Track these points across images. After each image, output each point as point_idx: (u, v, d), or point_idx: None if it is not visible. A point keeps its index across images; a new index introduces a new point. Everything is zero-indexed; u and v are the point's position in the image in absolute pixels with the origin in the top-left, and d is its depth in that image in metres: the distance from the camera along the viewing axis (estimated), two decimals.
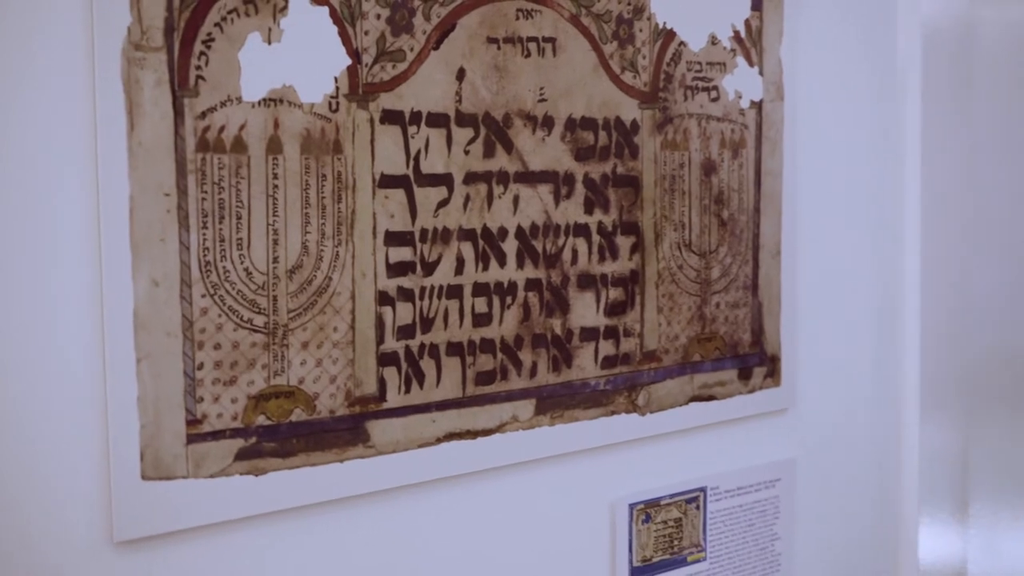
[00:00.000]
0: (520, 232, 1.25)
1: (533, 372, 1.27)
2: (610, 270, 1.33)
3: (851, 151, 1.62)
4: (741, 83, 1.44)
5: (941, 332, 1.70)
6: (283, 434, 1.09)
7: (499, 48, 1.22)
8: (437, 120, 1.17)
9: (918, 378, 1.67)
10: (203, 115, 1.02)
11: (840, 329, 1.62)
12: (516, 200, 1.24)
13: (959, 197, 1.71)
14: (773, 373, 1.51)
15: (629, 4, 1.32)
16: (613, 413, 1.34)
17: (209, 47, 1.02)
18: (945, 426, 1.72)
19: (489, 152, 1.22)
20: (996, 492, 1.69)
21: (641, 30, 1.33)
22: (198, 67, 1.02)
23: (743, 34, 1.44)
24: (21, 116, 0.95)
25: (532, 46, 1.24)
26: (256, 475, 1.08)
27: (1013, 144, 1.75)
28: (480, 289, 1.22)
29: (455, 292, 1.20)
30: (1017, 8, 1.72)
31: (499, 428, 1.25)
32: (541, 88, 1.25)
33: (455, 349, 1.21)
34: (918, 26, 1.64)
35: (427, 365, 1.19)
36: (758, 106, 1.46)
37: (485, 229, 1.22)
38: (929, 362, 1.68)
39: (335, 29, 1.10)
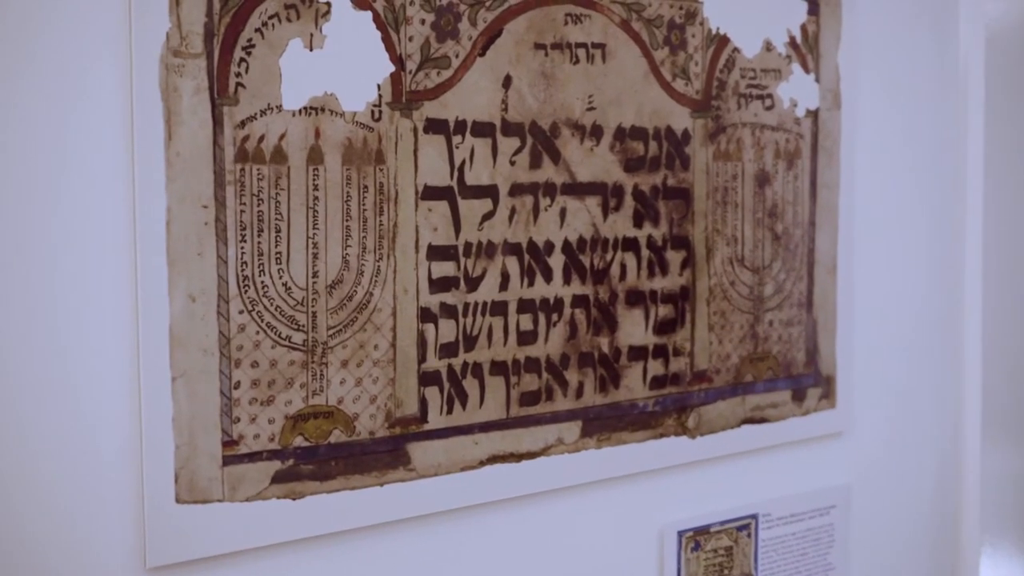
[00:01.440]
0: (567, 246, 1.24)
1: (579, 393, 1.26)
2: (660, 286, 1.32)
3: (911, 162, 1.61)
4: (797, 91, 1.43)
5: (1004, 351, 1.68)
6: (321, 456, 1.09)
7: (547, 54, 1.22)
8: (482, 129, 1.17)
9: (980, 400, 1.66)
10: (242, 124, 1.03)
11: (898, 349, 1.61)
12: (563, 213, 1.24)
13: None
14: (828, 395, 1.50)
15: (681, 9, 1.31)
16: (662, 436, 1.34)
17: (249, 53, 1.03)
18: (1008, 450, 1.71)
19: (536, 163, 1.22)
20: None
21: (693, 36, 1.33)
22: (238, 74, 1.02)
23: (799, 40, 1.43)
24: (56, 125, 0.96)
25: (581, 52, 1.24)
26: (294, 499, 1.08)
27: None
28: (525, 306, 1.22)
29: (499, 309, 1.20)
30: None
31: (544, 451, 1.24)
32: (590, 96, 1.25)
33: (499, 368, 1.20)
34: (981, 30, 1.63)
35: (470, 385, 1.18)
36: (814, 115, 1.45)
37: (531, 243, 1.22)
38: (992, 383, 1.67)
39: (378, 35, 1.10)
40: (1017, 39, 1.67)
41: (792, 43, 1.42)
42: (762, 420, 1.44)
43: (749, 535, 1.45)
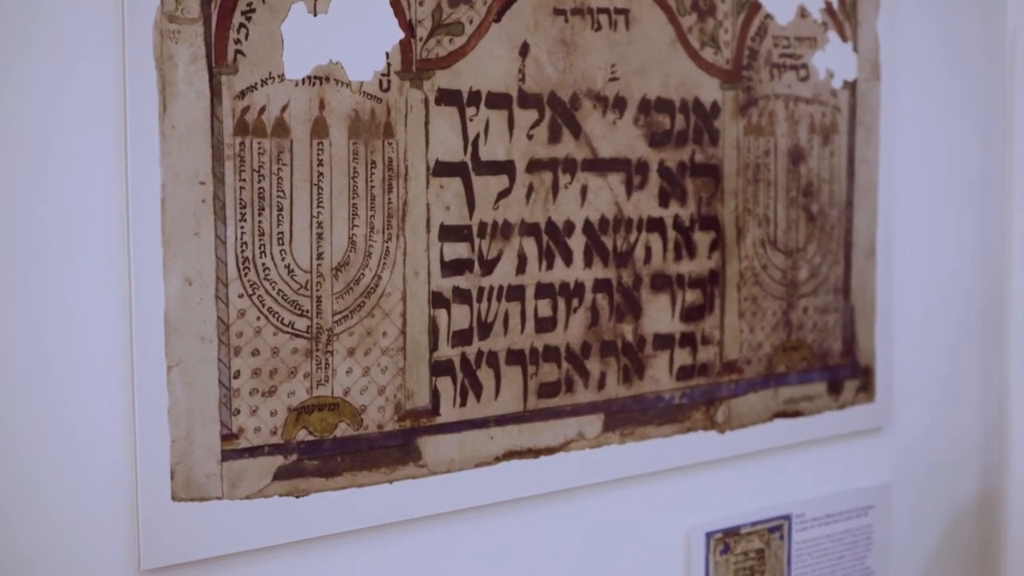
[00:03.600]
0: (588, 227, 1.24)
1: (601, 384, 1.26)
2: (687, 270, 1.31)
3: (956, 138, 1.60)
4: (833, 61, 1.42)
5: None
6: (327, 451, 1.09)
7: (567, 20, 1.21)
8: (498, 101, 1.17)
9: None
10: (242, 94, 1.02)
11: (942, 338, 1.60)
12: (584, 191, 1.23)
13: None
14: (867, 387, 1.50)
15: None
16: (689, 430, 1.33)
17: (249, 19, 1.02)
18: None
19: (555, 137, 1.21)
20: None
21: (723, 1, 1.32)
22: (237, 41, 1.02)
23: (836, 6, 1.42)
24: (43, 96, 0.95)
25: (603, 18, 1.23)
26: (297, 496, 1.07)
27: None
28: (544, 290, 1.21)
29: (516, 293, 1.19)
30: None
31: (564, 446, 1.24)
32: (612, 65, 1.24)
33: (516, 357, 1.20)
34: None
35: (485, 375, 1.18)
36: (852, 86, 1.44)
37: (550, 223, 1.21)
38: None
39: None
40: None
41: (828, 9, 1.41)
42: (796, 414, 1.43)
43: (782, 537, 1.44)
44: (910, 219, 1.54)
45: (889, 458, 1.55)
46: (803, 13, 1.39)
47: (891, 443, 1.55)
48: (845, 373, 1.48)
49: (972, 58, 1.61)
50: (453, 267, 1.15)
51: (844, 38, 1.43)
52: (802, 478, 1.47)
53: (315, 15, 1.05)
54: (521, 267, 1.20)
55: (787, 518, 1.45)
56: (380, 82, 1.10)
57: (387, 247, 1.11)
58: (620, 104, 1.25)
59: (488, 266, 1.17)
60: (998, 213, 1.65)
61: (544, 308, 1.21)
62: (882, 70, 1.47)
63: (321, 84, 1.06)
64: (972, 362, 1.64)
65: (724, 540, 1.39)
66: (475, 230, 1.16)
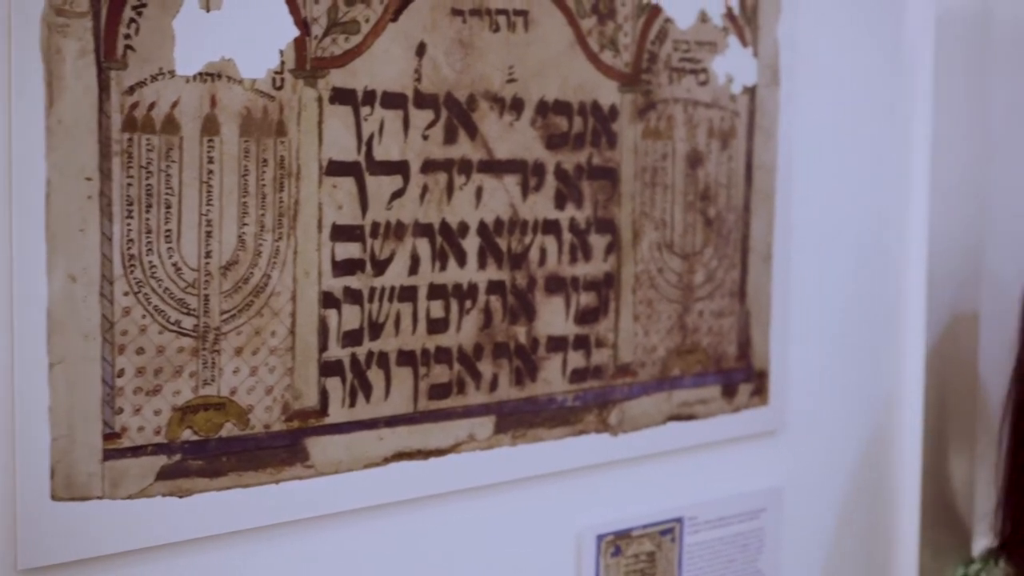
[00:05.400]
0: (483, 228, 1.28)
1: (493, 385, 1.30)
2: (582, 272, 1.36)
3: (854, 144, 1.66)
4: (733, 66, 1.48)
5: (948, 348, 1.75)
6: (212, 451, 1.12)
7: (465, 21, 1.25)
8: (393, 100, 1.20)
9: (921, 399, 1.72)
10: (131, 90, 1.05)
11: (836, 343, 1.67)
12: (479, 192, 1.27)
13: (972, 196, 1.76)
14: (761, 391, 1.56)
15: None
16: (582, 433, 1.38)
17: (140, 14, 1.04)
18: (950, 452, 1.78)
19: (451, 138, 1.25)
20: None
21: (623, 4, 1.37)
22: (127, 36, 1.04)
23: (736, 11, 1.47)
24: None
25: (502, 20, 1.27)
26: (180, 496, 1.10)
27: None
28: (436, 291, 1.25)
29: (408, 294, 1.23)
30: None
31: (454, 448, 1.28)
32: (510, 67, 1.28)
33: (407, 358, 1.23)
34: (930, 5, 1.69)
35: (375, 376, 1.21)
36: (751, 92, 1.50)
37: (444, 224, 1.25)
38: (933, 381, 1.73)
39: None
40: (966, 17, 1.73)
41: (729, 15, 1.47)
42: (690, 417, 1.48)
43: (673, 540, 1.49)
44: (807, 225, 1.60)
45: (782, 461, 1.61)
46: (703, 18, 1.44)
47: (784, 447, 1.61)
48: (740, 377, 1.53)
49: (872, 65, 1.68)
50: (344, 267, 1.19)
51: (744, 43, 1.49)
52: (695, 481, 1.52)
53: (208, 11, 1.08)
54: (414, 268, 1.23)
55: (679, 521, 1.50)
56: (273, 80, 1.13)
57: (277, 246, 1.14)
58: (517, 106, 1.29)
59: (380, 266, 1.21)
60: (895, 220, 1.72)
61: (436, 309, 1.25)
62: (781, 76, 1.53)
63: (213, 81, 1.09)
64: (865, 367, 1.71)
65: (615, 542, 1.44)
66: (368, 230, 1.20)
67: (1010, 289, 1.78)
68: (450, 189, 1.25)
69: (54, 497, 1.03)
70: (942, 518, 1.76)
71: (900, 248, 1.72)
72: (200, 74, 1.08)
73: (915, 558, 1.73)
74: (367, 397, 1.21)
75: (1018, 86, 1.81)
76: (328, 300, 1.18)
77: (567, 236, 1.34)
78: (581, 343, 1.37)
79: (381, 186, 1.20)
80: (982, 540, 1.74)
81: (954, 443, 1.77)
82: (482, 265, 1.28)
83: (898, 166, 1.71)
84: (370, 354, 1.21)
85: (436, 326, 1.25)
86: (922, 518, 1.73)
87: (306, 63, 1.14)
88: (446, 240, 1.25)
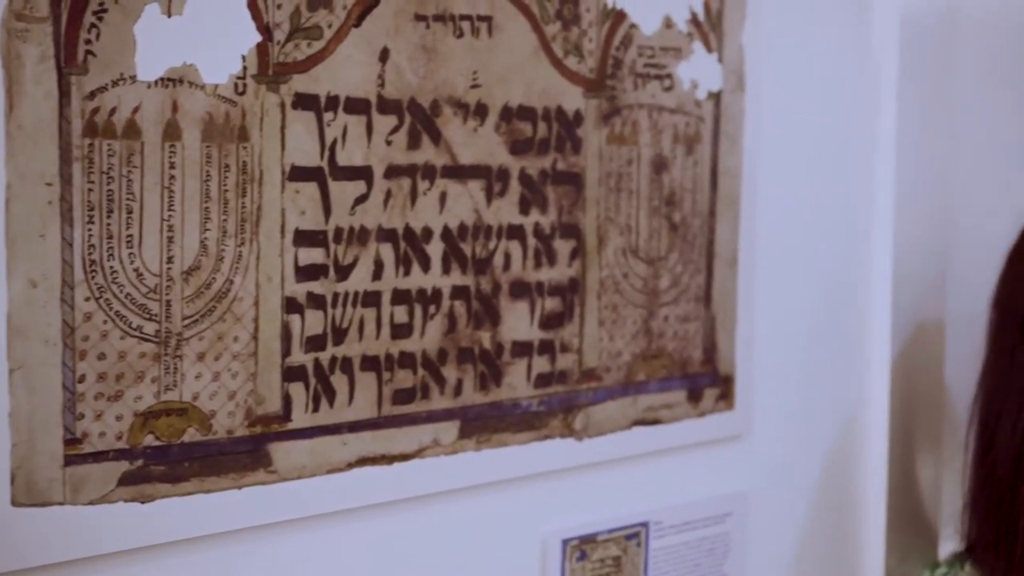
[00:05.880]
0: (447, 233, 1.29)
1: (458, 391, 1.31)
2: (547, 278, 1.37)
3: (819, 150, 1.68)
4: (698, 71, 1.49)
5: (914, 352, 1.77)
6: (174, 456, 1.12)
7: (428, 27, 1.26)
8: (356, 106, 1.21)
9: (887, 403, 1.74)
10: (92, 95, 1.05)
11: (802, 348, 1.69)
12: (443, 197, 1.28)
13: (937, 199, 1.79)
14: (726, 395, 1.57)
15: None
16: (547, 438, 1.39)
17: (101, 19, 1.05)
18: (916, 456, 1.80)
19: (414, 143, 1.26)
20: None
21: (588, 10, 1.38)
22: (88, 41, 1.05)
23: (701, 17, 1.49)
24: None
25: (465, 25, 1.29)
26: (143, 502, 1.11)
27: (995, 142, 1.83)
28: (400, 296, 1.26)
29: (372, 299, 1.24)
30: None
31: (418, 453, 1.29)
32: (474, 72, 1.30)
33: (370, 363, 1.25)
34: (896, 13, 1.71)
35: (338, 381, 1.22)
36: (716, 97, 1.52)
37: (408, 229, 1.26)
38: (899, 386, 1.75)
39: (244, 1, 1.13)
40: (932, 24, 1.75)
41: (694, 20, 1.48)
42: (655, 422, 1.50)
43: (639, 544, 1.51)
44: (773, 230, 1.62)
45: (748, 466, 1.63)
46: (668, 24, 1.46)
47: (750, 451, 1.63)
48: (705, 381, 1.55)
49: (837, 69, 1.69)
50: (308, 272, 1.19)
51: (709, 49, 1.51)
52: (660, 486, 1.53)
53: (169, 16, 1.09)
54: (378, 273, 1.24)
55: (645, 525, 1.51)
56: (236, 85, 1.13)
57: (240, 252, 1.15)
58: (481, 111, 1.30)
59: (344, 272, 1.22)
60: (860, 224, 1.74)
61: (400, 314, 1.26)
62: (747, 81, 1.55)
63: (175, 86, 1.10)
64: (831, 371, 1.73)
65: (581, 547, 1.45)
66: (331, 235, 1.21)
67: (976, 294, 1.80)
68: (414, 194, 1.26)
69: (14, 503, 1.04)
70: (908, 522, 1.78)
71: (866, 252, 1.74)
72: (162, 79, 1.09)
73: (881, 562, 1.75)
74: (331, 402, 1.22)
75: (983, 88, 1.83)
76: (291, 305, 1.19)
77: (532, 241, 1.36)
78: (546, 348, 1.38)
79: (344, 191, 1.21)
80: (948, 544, 1.76)
81: (920, 447, 1.79)
82: (446, 270, 1.29)
83: (863, 171, 1.73)
84: (333, 359, 1.22)
85: (400, 331, 1.26)
86: (888, 522, 1.75)
87: (268, 68, 1.15)
88: (410, 245, 1.26)
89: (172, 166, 1.10)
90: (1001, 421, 1.50)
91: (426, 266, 1.28)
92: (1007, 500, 1.46)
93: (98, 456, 1.08)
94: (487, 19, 1.30)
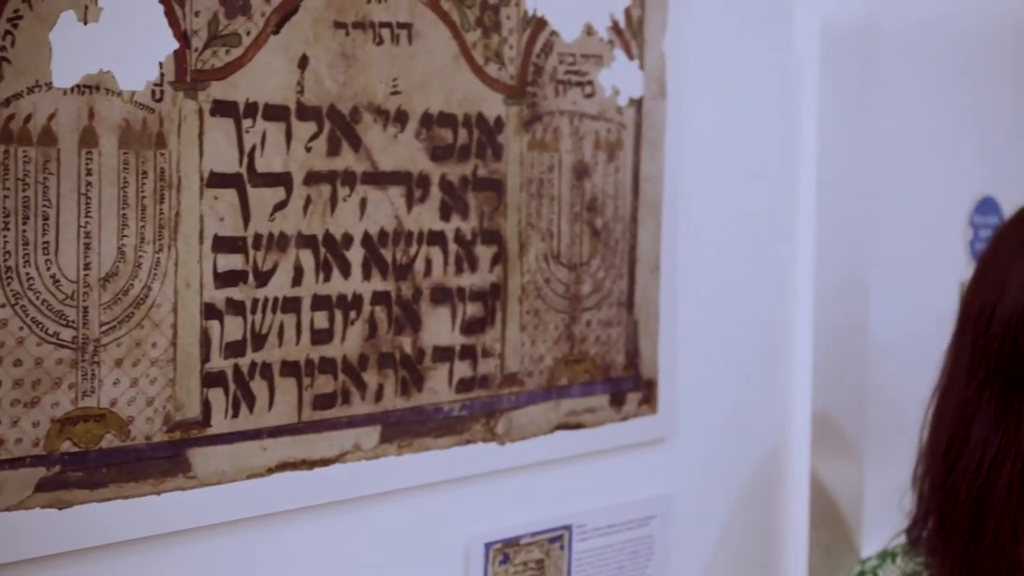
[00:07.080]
0: (367, 239, 1.32)
1: (379, 396, 1.34)
2: (468, 283, 1.40)
3: (741, 155, 1.73)
4: (619, 78, 1.53)
5: (835, 356, 1.81)
6: (92, 462, 1.14)
7: (348, 34, 1.28)
8: (275, 113, 1.24)
9: (809, 406, 1.79)
10: (7, 102, 1.07)
11: (725, 352, 1.73)
12: (363, 203, 1.31)
13: (858, 206, 1.84)
14: (649, 399, 1.61)
15: None
16: (469, 442, 1.42)
17: (16, 26, 1.07)
18: (839, 460, 1.84)
19: (334, 150, 1.28)
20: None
21: (508, 17, 1.41)
22: (2, 47, 1.06)
23: (622, 24, 1.53)
24: None
25: (385, 32, 1.31)
26: (60, 508, 1.12)
27: (916, 149, 1.88)
28: (320, 302, 1.29)
29: (292, 305, 1.27)
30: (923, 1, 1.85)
31: (339, 458, 1.31)
32: (394, 79, 1.32)
33: (291, 369, 1.27)
34: (816, 19, 1.76)
35: (258, 386, 1.25)
36: (637, 104, 1.55)
37: (327, 235, 1.29)
38: (821, 389, 1.80)
39: (161, 8, 1.15)
40: (854, 30, 1.80)
41: (615, 28, 1.52)
42: (577, 426, 1.53)
43: (562, 547, 1.54)
44: (695, 235, 1.65)
45: (671, 469, 1.67)
46: (589, 31, 1.50)
47: (673, 455, 1.66)
48: (628, 386, 1.58)
49: (759, 76, 1.74)
50: (227, 278, 1.22)
51: (630, 56, 1.54)
52: (583, 489, 1.57)
53: (85, 23, 1.11)
54: (297, 279, 1.27)
55: (568, 528, 1.54)
56: (153, 92, 1.15)
57: (158, 258, 1.17)
58: (402, 118, 1.33)
59: (263, 278, 1.24)
60: (782, 229, 1.78)
61: (320, 320, 1.29)
62: (668, 88, 1.59)
63: (91, 93, 1.12)
64: (755, 375, 1.77)
65: (504, 550, 1.48)
66: (250, 242, 1.23)
67: (898, 296, 1.85)
68: (334, 201, 1.29)
69: None
70: (831, 523, 1.83)
71: (788, 256, 1.79)
72: (78, 86, 1.11)
73: (804, 563, 1.79)
74: (250, 408, 1.24)
75: (905, 93, 1.89)
76: (210, 311, 1.21)
77: (453, 247, 1.39)
78: (468, 353, 1.41)
79: (263, 198, 1.24)
80: (872, 543, 1.81)
81: (842, 448, 1.84)
82: (367, 276, 1.32)
83: (785, 176, 1.78)
84: (253, 365, 1.24)
85: (320, 337, 1.29)
86: (811, 523, 1.79)
87: (186, 75, 1.17)
88: (330, 251, 1.29)
89: (89, 173, 1.12)
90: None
91: (346, 272, 1.30)
92: (973, 492, 1.36)
93: (14, 462, 1.09)
94: (407, 26, 1.33)
